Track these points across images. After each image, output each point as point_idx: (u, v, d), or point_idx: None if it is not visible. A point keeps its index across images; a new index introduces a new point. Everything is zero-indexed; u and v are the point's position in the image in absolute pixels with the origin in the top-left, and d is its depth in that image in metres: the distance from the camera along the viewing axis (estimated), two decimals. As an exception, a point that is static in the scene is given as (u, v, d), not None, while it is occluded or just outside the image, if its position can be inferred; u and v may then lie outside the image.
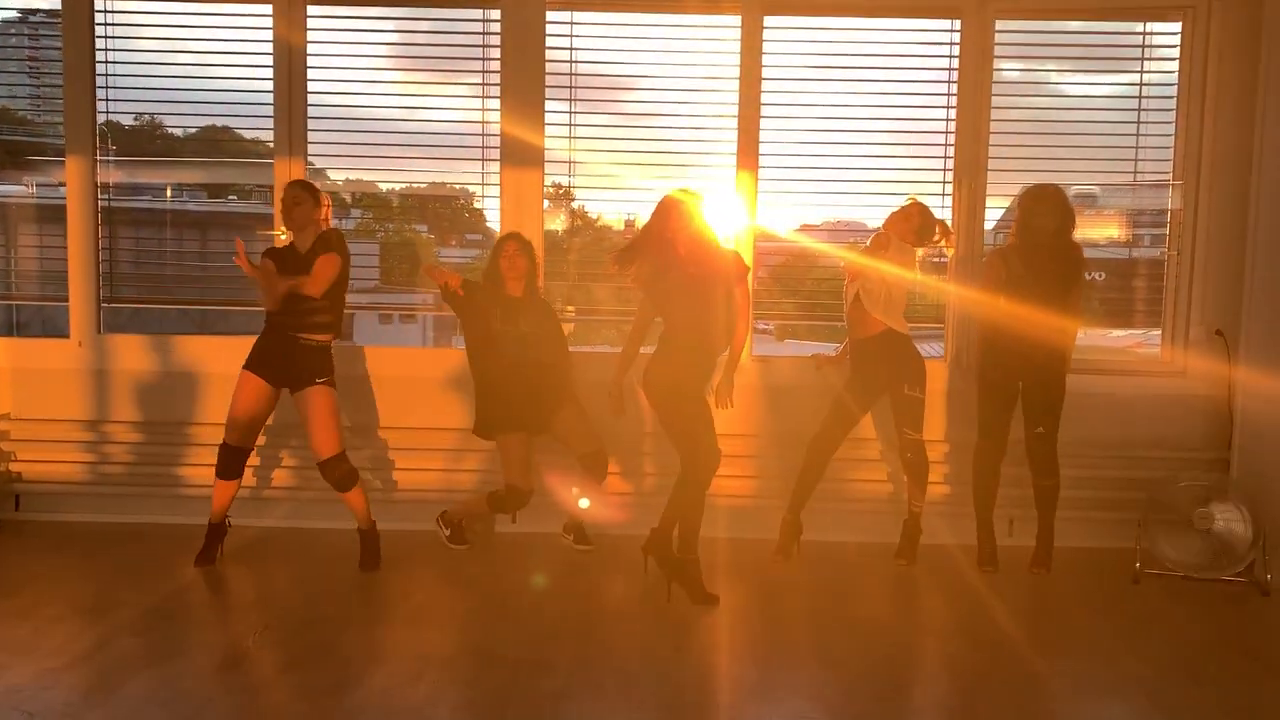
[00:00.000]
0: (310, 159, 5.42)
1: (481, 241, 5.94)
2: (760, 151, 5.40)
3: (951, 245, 5.26)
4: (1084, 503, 5.25)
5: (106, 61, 5.37)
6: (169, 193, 5.72)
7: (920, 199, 5.07)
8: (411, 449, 5.36)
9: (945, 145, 5.42)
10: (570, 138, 5.45)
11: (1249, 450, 5.11)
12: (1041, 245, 4.82)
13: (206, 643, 3.89)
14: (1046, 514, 5.00)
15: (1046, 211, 4.82)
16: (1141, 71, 5.43)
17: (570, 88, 5.43)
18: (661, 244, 4.40)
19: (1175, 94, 5.39)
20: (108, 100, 5.40)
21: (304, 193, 4.62)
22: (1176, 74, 5.39)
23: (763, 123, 5.39)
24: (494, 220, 5.57)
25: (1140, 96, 5.42)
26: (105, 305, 5.49)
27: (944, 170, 5.43)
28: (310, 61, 5.36)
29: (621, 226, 5.74)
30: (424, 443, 5.34)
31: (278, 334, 4.61)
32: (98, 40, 5.36)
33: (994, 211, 5.48)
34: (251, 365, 4.64)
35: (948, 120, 5.41)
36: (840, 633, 4.14)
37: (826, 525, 5.29)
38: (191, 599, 4.38)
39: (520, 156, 5.37)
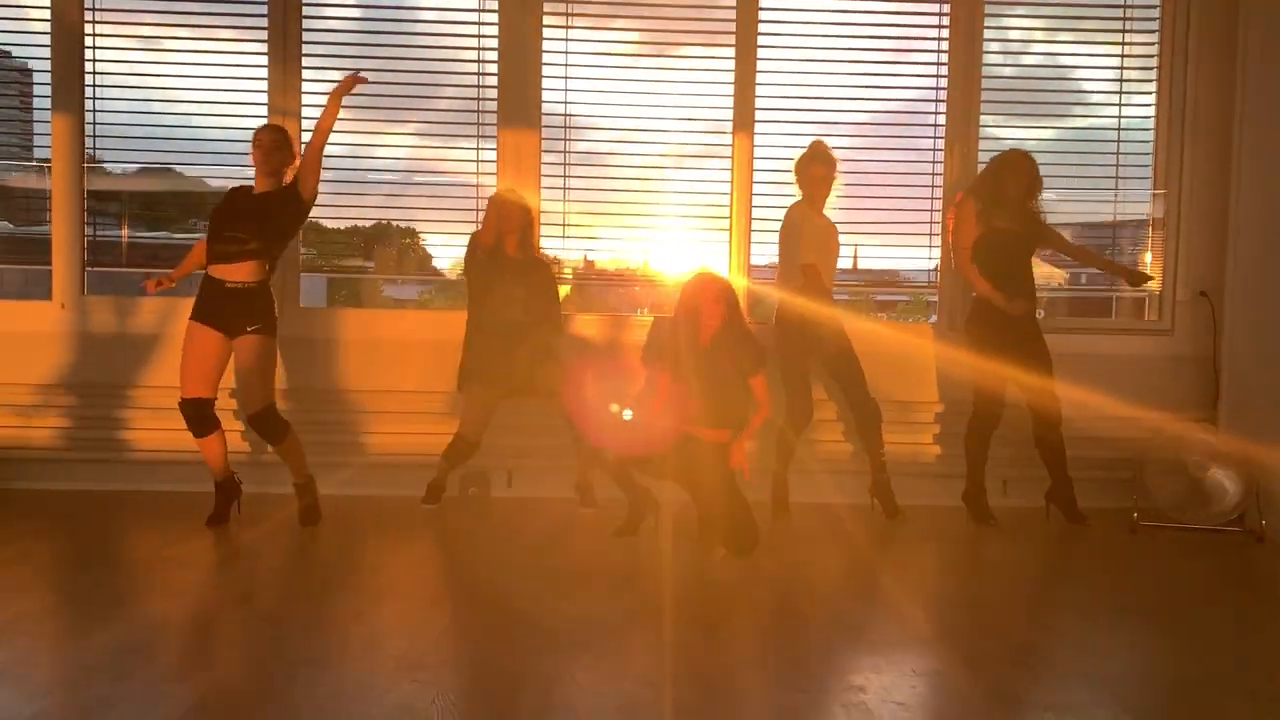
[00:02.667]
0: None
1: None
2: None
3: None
4: (1075, 463, 5.29)
5: (94, 22, 5.31)
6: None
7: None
8: (392, 412, 5.30)
9: (935, 111, 5.51)
10: (565, 127, 5.47)
11: (1235, 406, 5.22)
12: (1010, 211, 4.92)
13: (208, 584, 3.79)
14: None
15: (1019, 177, 4.91)
16: (1124, 32, 5.57)
17: (565, 56, 5.47)
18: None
19: (1156, 56, 5.53)
20: (94, 47, 5.31)
21: (284, 138, 4.60)
22: (1158, 36, 5.54)
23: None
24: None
25: (1122, 60, 5.56)
26: (89, 270, 5.38)
27: (934, 138, 5.51)
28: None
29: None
30: (405, 406, 5.28)
31: (209, 279, 4.50)
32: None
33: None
34: (195, 314, 4.51)
35: (937, 96, 5.51)
36: (869, 578, 4.15)
37: (806, 487, 5.26)
38: (187, 552, 4.25)
39: (518, 120, 5.39)
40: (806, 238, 4.94)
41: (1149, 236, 5.59)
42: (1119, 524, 4.97)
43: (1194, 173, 5.44)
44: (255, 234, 4.47)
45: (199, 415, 4.50)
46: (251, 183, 4.59)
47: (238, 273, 4.47)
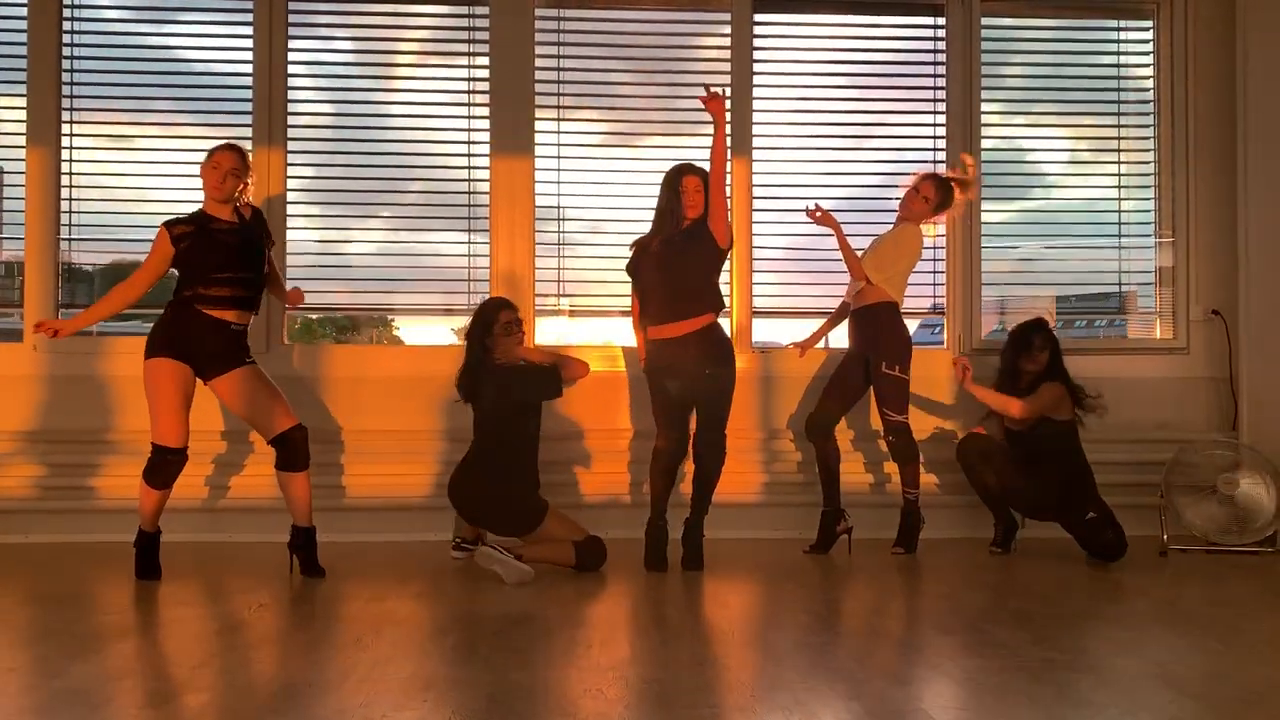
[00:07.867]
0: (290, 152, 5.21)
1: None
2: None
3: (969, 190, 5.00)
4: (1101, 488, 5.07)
5: (72, 45, 5.14)
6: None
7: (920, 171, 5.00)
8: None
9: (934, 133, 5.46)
10: (559, 144, 5.34)
11: (1257, 426, 5.07)
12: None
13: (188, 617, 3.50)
14: None
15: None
16: (1119, 57, 5.57)
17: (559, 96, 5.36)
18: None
19: (1153, 73, 5.50)
20: (72, 97, 5.13)
21: (244, 163, 4.19)
22: (1152, 61, 5.53)
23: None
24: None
25: (1119, 86, 5.55)
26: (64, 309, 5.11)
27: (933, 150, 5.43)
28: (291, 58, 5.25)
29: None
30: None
31: (204, 318, 4.05)
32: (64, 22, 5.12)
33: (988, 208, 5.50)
34: (169, 351, 4.01)
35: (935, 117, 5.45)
36: (902, 609, 3.92)
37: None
38: (162, 595, 3.94)
39: (511, 146, 5.24)
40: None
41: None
42: (1144, 549, 4.73)
43: (1200, 191, 5.37)
44: (259, 275, 4.18)
45: (181, 467, 4.10)
46: (197, 205, 4.17)
47: (245, 317, 4.15)
